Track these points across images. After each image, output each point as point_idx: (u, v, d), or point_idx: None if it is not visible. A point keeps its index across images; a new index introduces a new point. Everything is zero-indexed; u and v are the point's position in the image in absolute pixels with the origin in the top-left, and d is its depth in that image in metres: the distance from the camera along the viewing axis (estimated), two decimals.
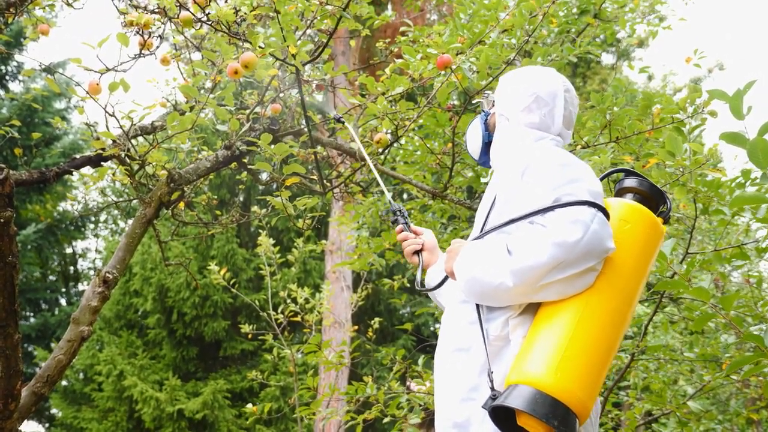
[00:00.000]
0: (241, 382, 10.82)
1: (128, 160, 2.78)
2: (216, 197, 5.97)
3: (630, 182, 1.75)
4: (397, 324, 12.75)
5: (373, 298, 12.57)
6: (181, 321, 10.92)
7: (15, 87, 13.07)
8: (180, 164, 3.40)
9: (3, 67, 12.60)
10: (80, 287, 15.79)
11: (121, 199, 4.10)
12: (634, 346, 3.51)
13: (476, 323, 1.66)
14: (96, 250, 17.16)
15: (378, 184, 3.94)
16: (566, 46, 3.43)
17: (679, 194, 2.62)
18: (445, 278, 1.86)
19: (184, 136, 2.75)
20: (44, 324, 12.92)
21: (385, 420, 3.66)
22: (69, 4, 3.30)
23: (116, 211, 15.31)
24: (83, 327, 2.56)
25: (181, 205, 3.34)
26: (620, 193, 1.76)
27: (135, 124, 2.68)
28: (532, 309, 1.60)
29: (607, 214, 1.57)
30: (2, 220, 2.01)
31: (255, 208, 4.03)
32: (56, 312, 14.04)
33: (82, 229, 14.88)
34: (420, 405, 3.72)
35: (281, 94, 3.40)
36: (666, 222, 1.72)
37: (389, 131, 3.13)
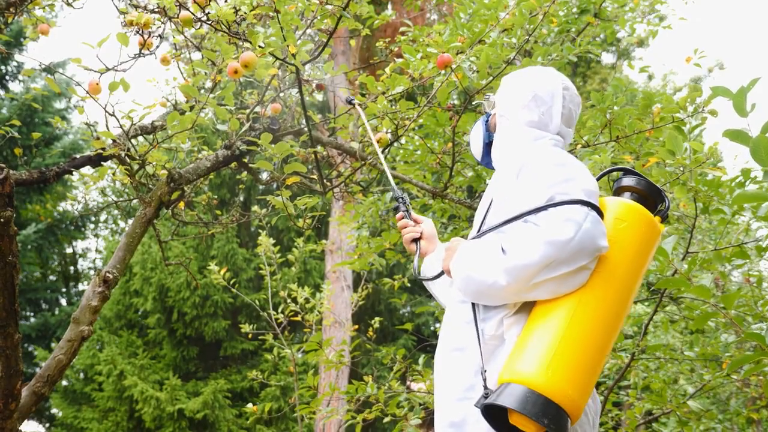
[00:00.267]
0: (241, 382, 10.82)
1: (128, 160, 2.78)
2: (216, 197, 5.96)
3: (627, 181, 1.75)
4: (398, 324, 12.75)
5: (373, 297, 12.58)
6: (182, 321, 10.92)
7: (15, 87, 13.08)
8: (180, 164, 3.40)
9: (3, 67, 12.60)
10: (80, 287, 15.79)
11: (121, 199, 4.09)
12: (635, 346, 3.51)
13: (472, 322, 1.67)
14: (96, 250, 17.18)
15: (382, 184, 3.94)
16: (566, 45, 3.43)
17: (680, 193, 2.62)
18: (442, 272, 1.87)
19: (184, 136, 2.75)
20: (44, 324, 12.93)
21: (386, 419, 3.66)
22: (69, 4, 3.30)
23: (116, 211, 15.32)
24: (83, 327, 2.56)
25: (181, 204, 3.34)
26: (618, 191, 1.76)
27: (135, 124, 2.67)
28: (527, 308, 1.61)
29: (601, 213, 1.57)
30: (2, 220, 2.00)
31: (255, 208, 4.03)
32: (56, 312, 14.04)
33: (83, 229, 14.87)
34: (420, 404, 3.72)
35: (281, 94, 3.40)
36: (664, 221, 1.71)
37: (389, 131, 3.13)
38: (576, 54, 3.42)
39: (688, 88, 2.75)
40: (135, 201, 3.52)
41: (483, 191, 2.77)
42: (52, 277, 15.41)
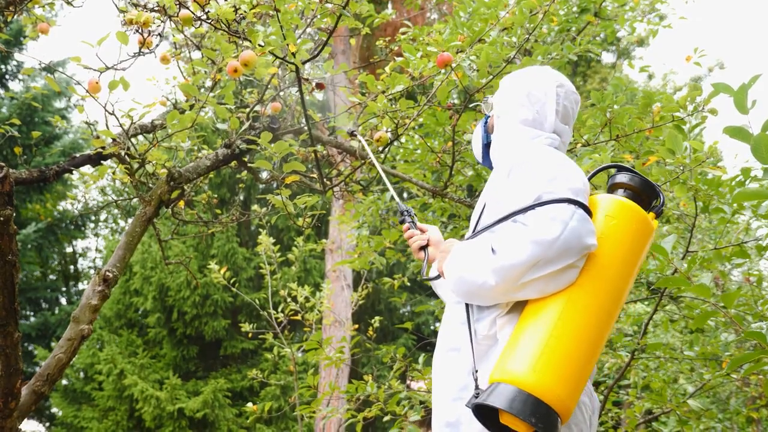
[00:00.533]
0: (241, 381, 10.82)
1: (128, 159, 2.78)
2: (216, 196, 5.96)
3: (620, 178, 1.74)
4: (398, 323, 12.75)
5: (373, 296, 12.58)
6: (182, 320, 10.92)
7: (15, 86, 13.07)
8: (180, 163, 3.40)
9: (3, 66, 12.60)
10: (80, 286, 15.79)
11: (121, 198, 4.09)
12: (635, 345, 3.51)
13: (466, 323, 1.68)
14: (96, 249, 17.19)
15: (382, 183, 3.94)
16: (566, 44, 3.43)
17: (680, 192, 2.62)
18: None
19: (184, 135, 2.74)
20: (44, 323, 12.93)
21: (386, 418, 3.66)
22: (69, 3, 3.29)
23: (116, 210, 15.32)
24: (83, 326, 2.56)
25: (181, 203, 3.34)
26: (611, 189, 1.76)
27: (135, 123, 2.67)
28: (519, 308, 1.61)
29: (589, 211, 1.57)
30: (2, 219, 2.00)
31: (255, 207, 4.03)
32: (56, 311, 14.05)
33: (82, 228, 14.87)
34: (420, 403, 3.72)
35: (281, 93, 3.40)
36: (658, 217, 1.71)
37: (389, 130, 3.13)
38: (576, 53, 3.42)
39: (688, 87, 2.75)
40: (135, 200, 3.52)
41: (482, 190, 2.77)
42: (52, 276, 15.41)
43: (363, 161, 3.20)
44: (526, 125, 1.85)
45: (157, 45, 2.79)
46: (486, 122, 2.02)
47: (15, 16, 3.06)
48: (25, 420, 2.52)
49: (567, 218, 1.52)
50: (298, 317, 5.01)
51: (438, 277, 1.91)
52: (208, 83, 2.83)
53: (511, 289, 1.55)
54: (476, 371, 1.59)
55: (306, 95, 3.03)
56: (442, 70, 2.77)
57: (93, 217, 15.53)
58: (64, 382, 11.50)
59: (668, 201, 3.50)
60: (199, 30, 2.83)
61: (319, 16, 2.85)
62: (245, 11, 2.44)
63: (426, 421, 3.91)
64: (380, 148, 3.15)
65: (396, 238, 3.86)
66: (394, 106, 2.99)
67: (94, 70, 2.50)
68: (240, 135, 3.14)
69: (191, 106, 2.91)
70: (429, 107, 3.11)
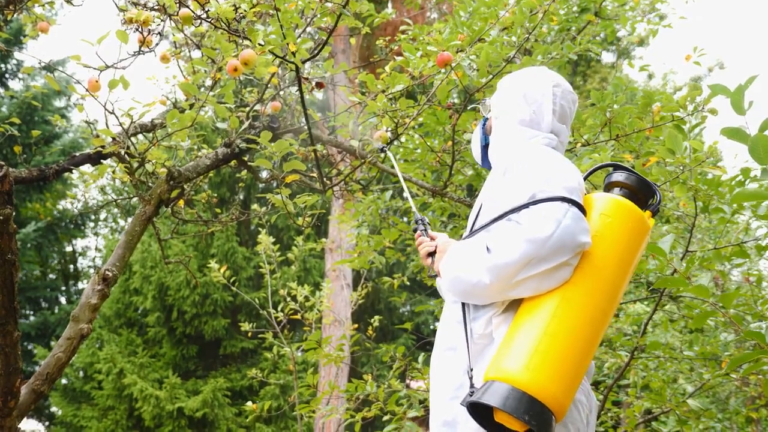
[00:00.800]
0: (240, 381, 10.82)
1: (128, 158, 2.78)
2: (216, 195, 5.96)
3: (617, 176, 1.75)
4: (397, 322, 12.76)
5: (373, 296, 12.58)
6: (181, 319, 10.92)
7: (15, 85, 13.07)
8: (180, 162, 3.40)
9: (3, 65, 12.59)
10: (80, 285, 15.79)
11: (120, 197, 4.09)
12: (634, 344, 3.51)
13: (462, 322, 1.69)
14: (96, 248, 17.18)
15: (381, 183, 3.94)
16: (566, 44, 3.43)
17: (679, 192, 2.62)
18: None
19: (183, 134, 2.74)
20: (44, 322, 12.93)
21: (385, 418, 3.66)
22: (68, 2, 3.29)
23: (116, 209, 15.31)
24: (83, 325, 2.56)
25: (181, 203, 3.34)
26: (608, 187, 1.76)
27: (135, 122, 2.67)
28: (514, 306, 1.62)
29: (583, 210, 1.57)
30: (2, 218, 2.00)
31: (255, 206, 4.03)
32: (56, 310, 14.05)
33: (82, 227, 14.87)
34: (420, 402, 3.72)
35: (281, 92, 3.40)
36: (655, 215, 1.71)
37: (389, 129, 3.13)
38: (576, 53, 3.41)
39: (688, 87, 2.75)
40: (135, 199, 3.52)
41: (481, 190, 2.77)
42: (51, 276, 15.41)
43: (363, 161, 3.20)
44: (524, 125, 1.86)
45: (157, 44, 2.79)
46: (484, 124, 2.04)
47: (15, 15, 3.06)
48: (25, 419, 2.52)
49: (560, 216, 1.52)
50: (298, 316, 5.01)
51: (434, 277, 1.92)
52: (208, 82, 2.83)
53: (506, 288, 1.56)
54: (471, 370, 1.60)
55: (306, 94, 3.03)
56: (442, 70, 2.77)
57: (93, 216, 15.53)
58: (64, 381, 11.50)
59: (668, 201, 3.50)
60: (199, 29, 2.83)
61: (319, 15, 2.85)
62: (245, 10, 2.44)
63: (425, 420, 3.91)
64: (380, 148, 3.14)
65: (395, 238, 3.86)
66: (394, 105, 2.99)
67: (94, 68, 2.50)
68: (240, 134, 3.13)
69: (191, 105, 2.91)
70: (429, 107, 3.11)
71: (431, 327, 13.14)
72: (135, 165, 2.83)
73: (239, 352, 11.46)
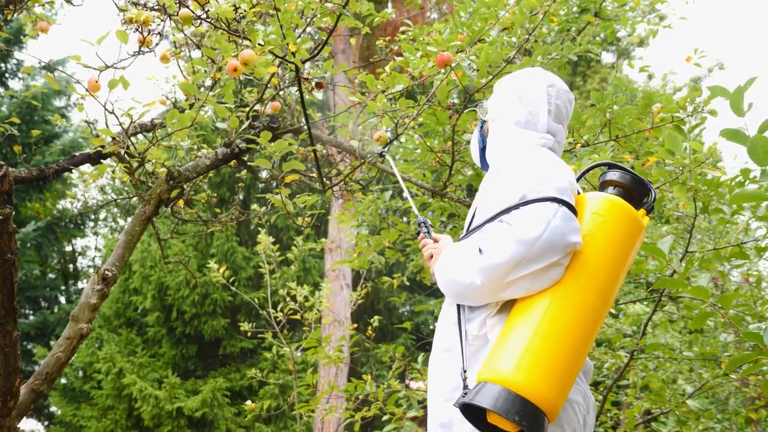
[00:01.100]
0: (240, 380, 10.82)
1: (128, 158, 2.78)
2: (215, 195, 5.96)
3: (610, 175, 1.74)
4: (397, 322, 12.76)
5: (372, 296, 12.58)
6: (181, 319, 10.91)
7: (15, 84, 13.07)
8: (179, 162, 3.40)
9: (3, 65, 12.59)
10: (80, 285, 15.78)
11: (120, 197, 4.09)
12: (634, 345, 3.51)
13: (457, 324, 1.70)
14: (95, 248, 17.17)
15: (381, 183, 3.94)
16: (566, 44, 3.43)
17: (679, 193, 2.62)
18: None
19: (183, 134, 2.74)
20: (43, 322, 12.92)
21: (384, 417, 3.66)
22: (68, 2, 3.29)
23: (116, 209, 15.31)
24: (82, 324, 2.56)
25: (181, 202, 3.34)
26: (602, 186, 1.76)
27: (134, 122, 2.67)
28: (508, 308, 1.62)
29: (573, 210, 1.57)
30: (1, 218, 2.00)
31: (255, 206, 4.03)
32: (55, 310, 14.05)
33: (82, 226, 14.87)
34: (419, 402, 3.73)
35: (281, 92, 3.39)
36: (649, 213, 1.71)
37: (389, 129, 3.13)
38: (576, 53, 3.41)
39: (688, 87, 2.75)
40: (134, 199, 3.52)
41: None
42: (51, 275, 15.41)
43: (362, 161, 3.20)
44: (520, 127, 1.86)
45: (157, 44, 2.79)
46: (482, 127, 2.04)
47: (15, 15, 3.06)
48: (24, 418, 2.52)
49: (550, 216, 1.53)
50: (298, 316, 5.01)
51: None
52: (208, 82, 2.82)
53: (498, 289, 1.57)
54: (465, 371, 1.60)
55: (305, 94, 3.03)
56: (442, 70, 2.77)
57: (92, 216, 15.53)
58: (63, 380, 11.49)
59: (668, 201, 3.50)
60: (199, 29, 2.83)
61: (318, 16, 2.84)
62: (245, 10, 2.44)
63: (424, 421, 3.91)
64: (380, 148, 3.15)
65: (395, 238, 3.86)
66: (393, 105, 2.99)
67: (94, 68, 2.49)
68: (239, 134, 3.14)
69: (191, 105, 2.91)
70: (429, 107, 3.11)
71: (431, 327, 13.15)
72: (135, 165, 2.83)
73: (239, 352, 11.45)
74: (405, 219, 4.47)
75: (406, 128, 3.04)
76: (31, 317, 13.52)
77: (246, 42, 2.50)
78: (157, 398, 10.03)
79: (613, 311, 4.46)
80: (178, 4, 2.56)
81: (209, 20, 2.51)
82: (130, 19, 2.56)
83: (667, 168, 2.64)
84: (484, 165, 2.03)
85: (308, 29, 2.94)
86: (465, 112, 3.10)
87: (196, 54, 3.20)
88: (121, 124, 2.63)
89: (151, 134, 3.20)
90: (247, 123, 3.15)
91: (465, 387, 1.57)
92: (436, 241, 2.03)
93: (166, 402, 10.01)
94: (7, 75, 12.83)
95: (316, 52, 2.91)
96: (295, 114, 3.63)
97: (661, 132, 2.97)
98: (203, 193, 4.03)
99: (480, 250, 1.59)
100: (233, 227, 11.08)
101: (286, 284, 5.29)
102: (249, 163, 3.24)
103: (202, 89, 2.96)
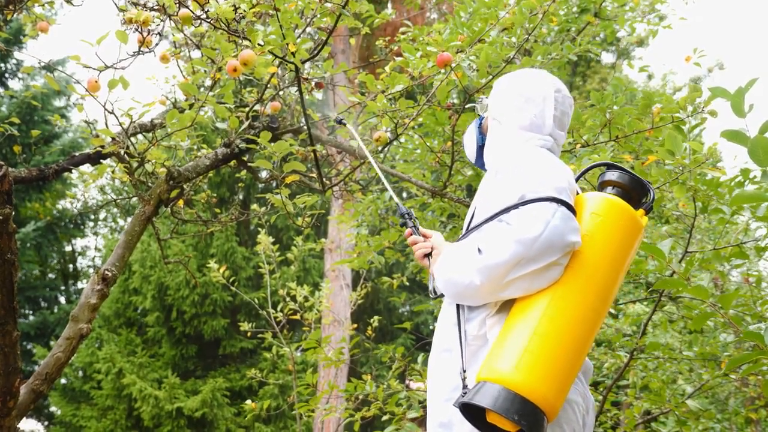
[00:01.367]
0: (240, 381, 10.82)
1: (127, 158, 2.78)
2: (215, 195, 5.96)
3: (609, 176, 1.75)
4: (397, 322, 12.76)
5: (372, 296, 12.59)
6: (181, 319, 10.91)
7: (14, 84, 13.07)
8: (179, 162, 3.40)
9: (2, 65, 12.59)
10: (79, 285, 15.78)
11: (120, 197, 4.09)
12: (633, 345, 3.51)
13: (457, 324, 1.69)
14: (95, 248, 17.17)
15: (381, 183, 3.94)
16: (566, 44, 3.43)
17: (679, 193, 2.62)
18: None
19: (183, 134, 2.74)
20: (43, 322, 12.92)
21: (384, 417, 3.66)
22: (68, 2, 3.29)
23: (115, 209, 15.31)
24: (82, 325, 2.56)
25: (181, 203, 3.34)
26: (601, 186, 1.76)
27: (134, 122, 2.67)
28: (508, 307, 1.62)
29: (572, 210, 1.57)
30: (1, 218, 2.00)
31: (254, 206, 4.03)
32: (55, 310, 14.04)
33: (82, 227, 14.87)
34: (419, 402, 3.73)
35: (281, 92, 3.39)
36: (648, 213, 1.71)
37: (389, 129, 3.13)
38: (576, 53, 3.41)
39: (688, 87, 2.75)
40: (134, 199, 3.52)
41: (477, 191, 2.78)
42: (51, 275, 15.40)
43: (362, 161, 3.20)
44: (523, 129, 1.85)
45: (157, 44, 2.79)
46: (480, 123, 2.02)
47: (15, 15, 3.06)
48: (24, 419, 2.52)
49: (549, 216, 1.53)
50: (297, 316, 5.01)
51: (440, 296, 1.90)
52: (208, 82, 2.82)
53: (497, 288, 1.57)
54: (464, 371, 1.60)
55: (305, 95, 3.03)
56: (442, 70, 2.77)
57: (92, 216, 15.53)
58: (63, 380, 11.49)
59: (667, 201, 3.50)
60: (198, 29, 2.83)
61: (318, 16, 2.84)
62: (245, 10, 2.44)
63: (424, 421, 3.91)
64: (379, 148, 3.15)
65: (395, 239, 3.86)
66: (393, 105, 2.99)
67: (94, 68, 2.49)
68: (239, 134, 3.13)
69: (191, 105, 2.91)
70: (428, 107, 3.11)
71: (430, 327, 13.14)
72: (134, 165, 2.83)
73: (238, 352, 11.45)
74: None
75: (406, 128, 3.04)
76: (31, 317, 13.52)
77: (246, 42, 2.50)
78: (156, 398, 10.03)
79: (612, 311, 4.46)
80: (177, 5, 2.56)
81: (209, 20, 2.51)
82: (130, 20, 2.56)
83: (666, 168, 2.64)
84: (479, 162, 2.02)
85: (308, 29, 2.94)
86: (464, 112, 3.11)
87: (196, 54, 3.20)
88: (120, 124, 2.63)
89: (150, 134, 3.20)
90: (246, 123, 3.15)
91: (464, 387, 1.57)
92: (425, 237, 2.02)
93: (165, 402, 10.01)
94: (6, 75, 12.83)
95: (315, 52, 2.91)
96: (295, 114, 3.63)
97: (660, 132, 2.97)
98: (203, 194, 4.04)
99: (479, 250, 1.59)
100: (233, 227, 11.08)
101: (285, 284, 5.29)
102: (249, 164, 3.24)
103: (202, 89, 2.96)
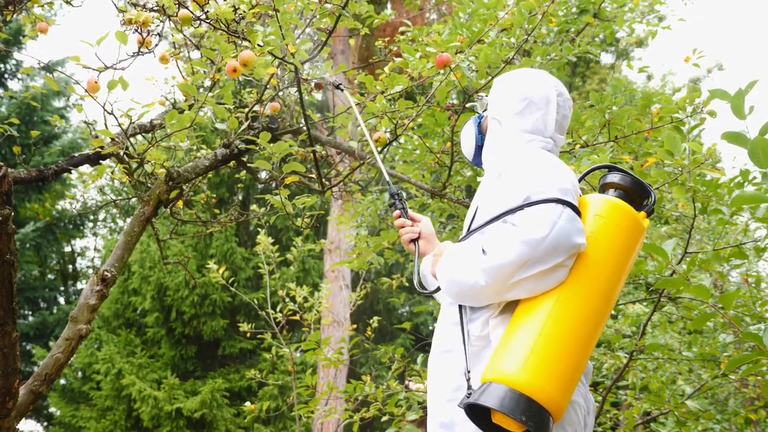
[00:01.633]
0: (239, 381, 10.81)
1: (127, 159, 2.78)
2: (215, 196, 5.96)
3: (611, 178, 1.75)
4: (396, 323, 12.76)
5: (371, 297, 12.59)
6: (180, 320, 10.91)
7: (14, 85, 13.06)
8: (179, 163, 3.40)
9: (2, 65, 12.58)
10: (79, 286, 15.77)
11: (119, 198, 4.09)
12: (633, 346, 3.51)
13: (459, 324, 1.69)
14: (95, 249, 17.17)
15: (380, 177, 3.94)
16: (565, 45, 3.43)
17: (678, 193, 2.62)
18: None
19: (182, 135, 2.74)
20: (43, 322, 12.91)
21: (384, 418, 3.66)
22: (68, 2, 3.29)
23: (115, 210, 15.30)
24: (81, 325, 2.55)
25: (180, 203, 3.34)
26: (603, 189, 1.76)
27: (134, 123, 2.67)
28: (511, 308, 1.62)
29: (578, 211, 1.58)
30: (0, 218, 2.00)
31: (254, 207, 4.03)
32: (55, 310, 14.04)
33: (81, 227, 14.86)
34: (419, 403, 3.73)
35: (280, 93, 3.39)
36: (649, 216, 1.71)
37: (388, 130, 3.13)
38: (575, 54, 3.42)
39: (687, 88, 2.75)
40: (134, 200, 3.52)
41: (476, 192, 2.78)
42: (50, 276, 15.40)
43: (362, 161, 3.20)
44: (524, 132, 1.84)
45: (156, 45, 2.79)
46: (480, 122, 2.00)
47: (14, 15, 3.06)
48: (23, 419, 2.52)
49: (555, 218, 1.53)
50: (297, 317, 5.01)
51: (435, 291, 1.90)
52: (207, 83, 2.82)
53: (502, 289, 1.56)
54: (468, 372, 1.60)
55: (305, 95, 3.03)
56: (441, 71, 2.77)
57: (92, 217, 15.52)
58: (62, 381, 11.49)
59: (667, 202, 3.50)
60: (198, 30, 2.82)
61: (318, 17, 2.84)
62: (244, 11, 2.44)
63: (424, 422, 3.91)
64: (379, 149, 3.15)
65: (395, 239, 3.86)
66: (393, 106, 2.99)
67: (93, 69, 2.49)
68: (239, 135, 3.13)
69: (190, 106, 2.91)
70: (428, 108, 3.11)
71: (430, 328, 13.14)
72: (134, 165, 2.82)
73: (238, 353, 11.45)
74: None
75: (405, 129, 3.04)
76: (30, 318, 13.51)
77: (245, 43, 2.49)
78: (156, 399, 10.02)
79: (612, 312, 4.46)
80: (177, 5, 2.55)
81: (208, 21, 2.51)
82: (130, 20, 2.56)
83: (666, 168, 2.64)
84: (477, 161, 2.01)
85: (307, 30, 2.94)
86: (464, 112, 3.11)
87: (196, 55, 3.19)
88: (120, 125, 2.62)
89: (150, 135, 3.19)
90: (246, 124, 3.15)
91: (469, 387, 1.57)
92: (414, 221, 2.01)
93: (165, 403, 10.00)
94: (6, 76, 12.82)
95: (315, 52, 2.91)
96: (295, 115, 3.63)
97: (660, 133, 2.97)
98: (202, 194, 4.03)
99: (483, 251, 1.58)
100: (232, 228, 11.07)
101: (285, 285, 5.29)
102: (248, 164, 3.24)
103: (202, 90, 2.96)
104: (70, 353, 2.54)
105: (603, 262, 1.57)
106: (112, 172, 3.08)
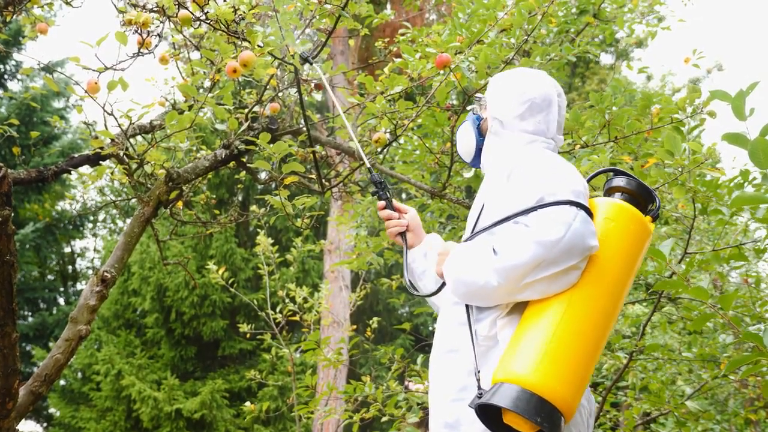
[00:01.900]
0: (239, 382, 10.81)
1: (127, 159, 2.78)
2: (215, 196, 5.96)
3: (618, 181, 1.76)
4: (396, 323, 12.76)
5: (371, 297, 12.59)
6: (180, 320, 10.91)
7: (14, 86, 13.06)
8: (178, 163, 3.40)
9: (2, 66, 12.59)
10: (78, 286, 15.77)
11: (119, 198, 4.09)
12: (633, 346, 3.51)
13: (466, 324, 1.68)
14: (94, 250, 17.17)
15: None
16: (565, 45, 3.43)
17: (678, 194, 2.62)
18: (443, 284, 1.84)
19: (182, 135, 2.74)
20: (42, 323, 12.91)
21: (384, 419, 3.66)
22: (68, 3, 3.29)
23: (115, 211, 15.31)
24: (81, 326, 2.55)
25: (180, 204, 3.34)
26: (609, 192, 1.77)
27: (133, 123, 2.67)
28: (519, 309, 1.62)
29: (590, 213, 1.58)
30: (0, 219, 2.00)
31: (254, 208, 4.03)
32: (54, 311, 14.03)
33: (81, 228, 14.85)
34: (418, 404, 3.72)
35: (280, 93, 3.39)
36: (655, 220, 1.72)
37: (388, 130, 3.13)
38: (575, 54, 3.42)
39: (687, 88, 2.75)
40: (133, 200, 3.52)
41: (478, 192, 2.78)
42: (50, 277, 15.39)
43: (362, 162, 3.19)
44: (526, 133, 1.84)
45: (156, 45, 2.78)
46: (479, 124, 1.98)
47: (14, 16, 3.06)
48: (23, 420, 2.52)
49: (570, 220, 1.52)
50: (297, 318, 5.01)
51: (435, 293, 1.89)
52: (207, 84, 2.82)
53: (514, 290, 1.56)
54: (479, 371, 1.59)
55: (305, 96, 3.03)
56: (441, 71, 2.77)
57: (91, 218, 15.52)
58: (62, 382, 11.48)
59: (667, 203, 3.50)
60: (198, 30, 2.82)
61: (317, 17, 2.84)
62: (244, 12, 2.44)
63: (424, 423, 3.91)
64: (379, 150, 3.15)
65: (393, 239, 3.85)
66: (392, 107, 2.99)
67: (93, 70, 2.49)
68: (238, 136, 3.13)
69: (190, 107, 2.91)
70: (428, 108, 3.11)
71: (430, 328, 13.14)
72: (134, 166, 2.82)
73: (238, 354, 11.45)
74: None
75: (405, 130, 3.04)
76: (30, 319, 13.50)
77: (245, 43, 2.50)
78: (156, 400, 10.02)
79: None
80: (177, 6, 2.55)
81: (208, 21, 2.51)
82: (130, 21, 2.56)
83: (666, 169, 2.64)
84: (475, 161, 1.99)
85: (307, 30, 2.94)
86: (464, 113, 3.11)
87: (195, 55, 3.19)
88: (120, 126, 2.63)
89: (150, 136, 3.19)
90: (246, 124, 3.15)
91: (479, 388, 1.56)
92: (400, 212, 1.99)
93: (165, 403, 10.00)
94: (6, 76, 12.82)
95: (315, 53, 2.91)
96: (294, 115, 3.63)
97: (660, 133, 2.97)
98: (202, 195, 4.03)
99: (495, 251, 1.57)
100: (232, 228, 11.07)
101: (285, 285, 5.28)
102: (248, 165, 3.24)
103: (201, 91, 2.96)
104: (70, 354, 2.54)
105: (612, 264, 1.58)
106: (112, 173, 3.08)
